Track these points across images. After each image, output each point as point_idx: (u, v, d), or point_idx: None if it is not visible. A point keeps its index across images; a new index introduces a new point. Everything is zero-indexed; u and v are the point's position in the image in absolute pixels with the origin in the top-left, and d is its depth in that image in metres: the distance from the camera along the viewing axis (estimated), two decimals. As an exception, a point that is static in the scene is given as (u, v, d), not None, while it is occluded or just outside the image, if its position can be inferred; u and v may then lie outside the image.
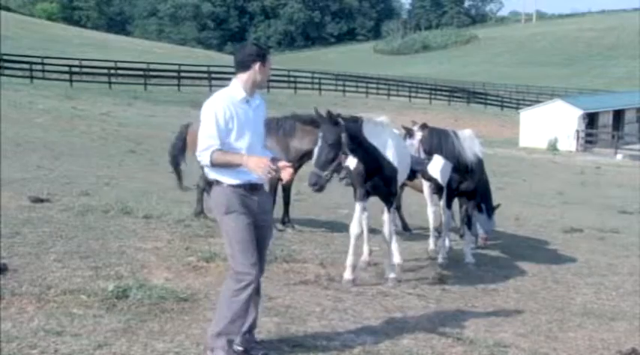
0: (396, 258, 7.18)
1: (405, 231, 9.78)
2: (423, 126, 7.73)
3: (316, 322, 5.28)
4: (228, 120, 4.20)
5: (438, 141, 7.66)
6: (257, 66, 4.29)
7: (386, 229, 6.76)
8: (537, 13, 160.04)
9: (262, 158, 4.16)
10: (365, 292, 6.31)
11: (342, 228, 9.44)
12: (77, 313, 4.94)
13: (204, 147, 4.20)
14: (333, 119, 5.83)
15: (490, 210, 9.03)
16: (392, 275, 6.67)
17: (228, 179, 4.27)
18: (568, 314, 6.34)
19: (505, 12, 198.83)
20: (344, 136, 5.84)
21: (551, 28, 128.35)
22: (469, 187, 8.19)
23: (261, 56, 4.32)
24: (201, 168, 5.39)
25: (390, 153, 6.48)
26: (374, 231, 9.59)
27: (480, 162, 8.12)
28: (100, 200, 8.96)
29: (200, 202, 8.64)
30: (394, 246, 7.18)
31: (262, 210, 4.39)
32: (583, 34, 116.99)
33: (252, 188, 4.31)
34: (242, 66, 4.33)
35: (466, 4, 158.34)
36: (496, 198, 9.58)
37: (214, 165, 4.21)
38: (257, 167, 4.08)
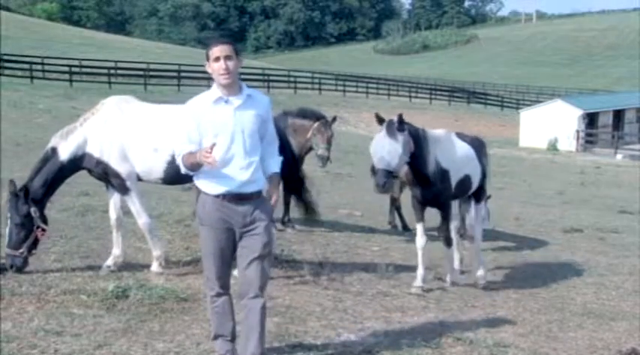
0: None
1: (405, 230, 9.78)
2: None
3: (316, 322, 5.29)
4: (198, 125, 3.99)
5: None
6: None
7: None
8: (537, 13, 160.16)
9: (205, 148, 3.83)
10: (365, 292, 6.31)
11: (342, 227, 9.46)
12: (77, 313, 4.94)
13: (176, 153, 4.10)
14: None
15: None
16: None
17: (208, 188, 4.07)
18: (568, 314, 6.34)
19: (505, 12, 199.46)
20: (33, 211, 5.87)
21: (551, 28, 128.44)
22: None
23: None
24: None
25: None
26: (374, 230, 9.61)
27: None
28: (99, 200, 8.93)
29: (200, 202, 8.64)
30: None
31: (250, 220, 4.05)
32: (583, 34, 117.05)
33: (237, 198, 4.02)
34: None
35: (466, 4, 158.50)
36: (496, 197, 9.57)
37: (187, 169, 4.03)
38: (204, 158, 3.80)
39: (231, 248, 4.12)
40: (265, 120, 4.15)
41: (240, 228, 4.06)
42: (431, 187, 6.51)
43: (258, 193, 4.11)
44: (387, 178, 5.96)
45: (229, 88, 4.01)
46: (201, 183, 4.10)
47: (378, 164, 5.99)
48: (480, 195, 7.49)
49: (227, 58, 3.94)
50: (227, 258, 4.15)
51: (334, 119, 9.05)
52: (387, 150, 5.95)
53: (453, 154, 6.71)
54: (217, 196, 4.04)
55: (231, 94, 4.03)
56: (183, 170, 4.08)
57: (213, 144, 3.84)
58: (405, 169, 6.76)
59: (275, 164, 4.27)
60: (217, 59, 3.94)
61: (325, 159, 8.70)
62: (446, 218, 6.85)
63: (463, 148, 6.99)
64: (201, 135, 4.01)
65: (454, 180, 6.68)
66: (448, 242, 6.92)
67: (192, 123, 4.02)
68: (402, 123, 6.07)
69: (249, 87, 4.17)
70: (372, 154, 6.06)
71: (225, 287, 4.19)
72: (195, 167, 3.98)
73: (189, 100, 4.14)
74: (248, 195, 4.05)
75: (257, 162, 4.08)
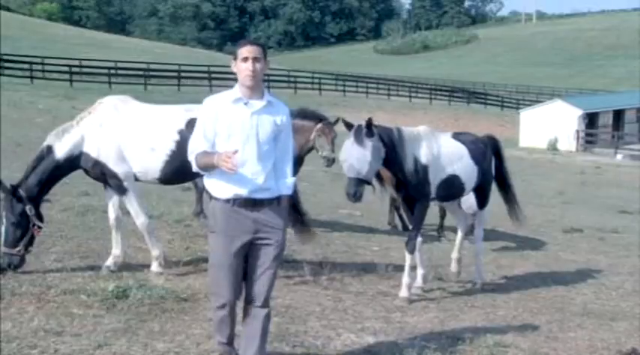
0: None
1: (405, 230, 9.77)
2: None
3: (316, 322, 5.29)
4: (214, 122, 3.88)
5: None
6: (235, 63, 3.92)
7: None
8: (537, 13, 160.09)
9: (226, 151, 3.72)
10: (365, 292, 6.32)
11: (342, 228, 9.46)
12: (77, 313, 4.94)
13: (190, 150, 3.95)
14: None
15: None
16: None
17: (217, 192, 3.93)
18: (568, 314, 6.34)
19: (505, 12, 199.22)
20: (29, 208, 5.81)
21: (551, 28, 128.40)
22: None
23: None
24: None
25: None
26: (374, 230, 9.61)
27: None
28: (100, 200, 8.92)
29: (199, 202, 8.64)
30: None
31: (261, 228, 3.92)
32: (583, 34, 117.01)
33: (248, 204, 3.90)
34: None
35: (466, 4, 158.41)
36: (495, 198, 9.56)
37: (199, 168, 3.91)
38: (223, 162, 3.69)
39: (242, 259, 3.97)
40: (282, 130, 4.00)
41: (252, 236, 3.93)
42: (410, 186, 6.25)
43: (271, 201, 3.95)
44: (357, 187, 5.72)
45: (252, 91, 3.90)
46: (211, 184, 3.97)
47: (348, 172, 5.77)
48: (483, 199, 7.24)
49: (255, 59, 3.84)
50: (237, 270, 3.97)
51: (337, 121, 9.05)
52: (356, 157, 5.70)
53: (435, 152, 6.36)
54: (227, 201, 3.90)
55: (253, 97, 3.91)
56: (194, 168, 3.97)
57: (235, 151, 3.75)
58: (387, 173, 6.60)
59: (286, 185, 4.06)
60: (245, 59, 3.84)
61: (331, 161, 8.69)
62: (417, 219, 6.42)
63: (451, 146, 6.65)
64: (216, 133, 3.91)
65: (435, 178, 6.36)
66: (410, 247, 6.37)
67: (208, 120, 3.92)
68: (370, 129, 5.79)
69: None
70: (341, 162, 5.85)
71: (231, 299, 4.02)
72: (209, 168, 3.86)
73: (205, 98, 4.04)
74: (259, 201, 3.91)
75: (271, 169, 3.95)
